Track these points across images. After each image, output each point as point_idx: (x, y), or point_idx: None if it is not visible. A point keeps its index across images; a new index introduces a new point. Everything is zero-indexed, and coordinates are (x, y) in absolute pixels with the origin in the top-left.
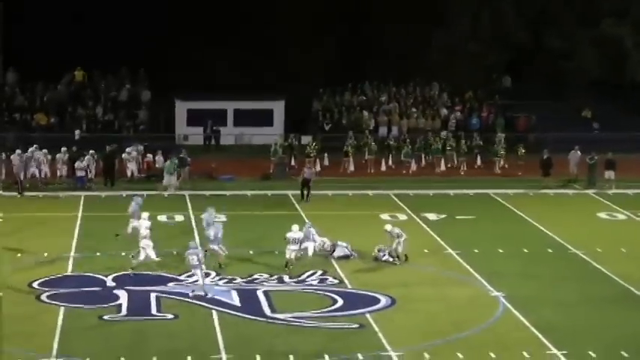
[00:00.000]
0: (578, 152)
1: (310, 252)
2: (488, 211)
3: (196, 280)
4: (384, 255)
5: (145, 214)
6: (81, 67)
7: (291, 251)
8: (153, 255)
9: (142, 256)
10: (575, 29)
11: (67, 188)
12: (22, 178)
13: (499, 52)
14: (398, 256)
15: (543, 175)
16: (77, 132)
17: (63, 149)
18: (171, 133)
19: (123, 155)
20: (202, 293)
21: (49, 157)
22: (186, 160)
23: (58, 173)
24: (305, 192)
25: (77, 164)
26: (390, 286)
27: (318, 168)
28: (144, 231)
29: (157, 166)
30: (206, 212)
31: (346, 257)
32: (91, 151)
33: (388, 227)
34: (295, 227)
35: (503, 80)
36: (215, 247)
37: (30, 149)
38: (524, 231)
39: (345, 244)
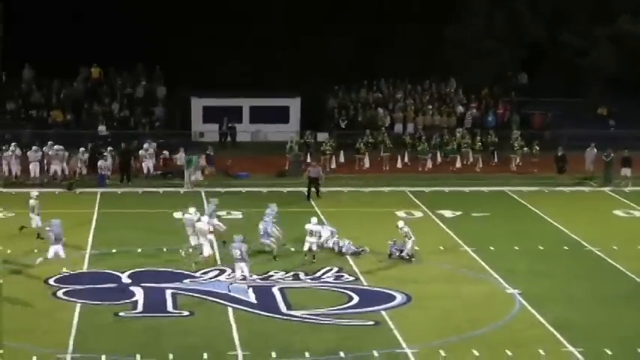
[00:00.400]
0: (595, 149)
1: (330, 244)
2: (503, 209)
3: (215, 276)
4: (397, 251)
5: (192, 209)
6: (97, 64)
7: (310, 243)
8: (207, 252)
9: (205, 252)
10: (591, 26)
11: (84, 185)
12: (37, 174)
13: (514, 49)
14: (409, 255)
15: (558, 172)
16: (102, 128)
17: (81, 149)
18: (187, 130)
19: (140, 152)
20: (225, 290)
21: (66, 154)
22: (212, 158)
23: (77, 171)
24: (313, 190)
25: (101, 163)
26: (406, 283)
27: (333, 165)
28: (205, 226)
29: (178, 163)
30: (269, 207)
31: (356, 254)
32: (109, 149)
33: (400, 224)
34: (314, 219)
35: (519, 77)
36: (266, 240)
37: (45, 147)
38: (539, 228)
39: (347, 242)
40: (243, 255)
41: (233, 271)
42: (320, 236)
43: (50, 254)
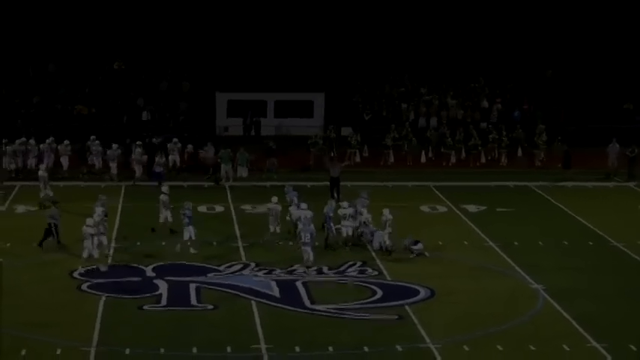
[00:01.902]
0: (617, 145)
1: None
2: (528, 204)
3: (239, 270)
4: (410, 246)
5: (275, 198)
6: (122, 58)
7: (347, 228)
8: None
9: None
10: None
11: (109, 178)
12: (64, 167)
13: (539, 43)
14: (387, 249)
15: (563, 168)
16: (145, 114)
17: (139, 145)
18: (212, 124)
19: (168, 145)
20: (306, 270)
21: (101, 148)
22: (274, 150)
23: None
24: (335, 191)
25: (157, 160)
26: (430, 277)
27: (358, 159)
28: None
29: (201, 156)
30: (361, 196)
31: (381, 249)
32: (138, 142)
33: (385, 211)
34: (345, 204)
35: (545, 72)
36: (331, 224)
37: (88, 142)
38: (564, 223)
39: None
40: (312, 239)
41: (257, 265)
42: (356, 214)
43: (186, 235)
